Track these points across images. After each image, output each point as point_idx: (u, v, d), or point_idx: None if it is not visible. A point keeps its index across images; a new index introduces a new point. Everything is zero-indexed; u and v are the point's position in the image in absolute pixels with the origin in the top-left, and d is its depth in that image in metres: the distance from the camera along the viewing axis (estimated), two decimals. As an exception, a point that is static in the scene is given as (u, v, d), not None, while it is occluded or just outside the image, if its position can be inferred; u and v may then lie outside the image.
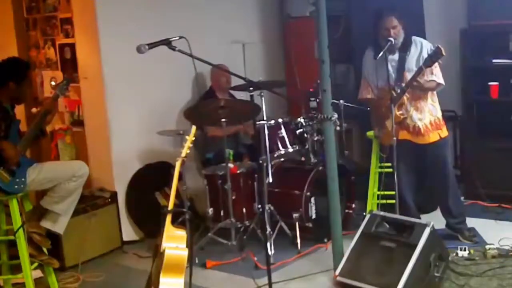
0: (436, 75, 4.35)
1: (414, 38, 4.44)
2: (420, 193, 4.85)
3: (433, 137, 4.44)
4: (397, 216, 4.17)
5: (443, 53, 4.09)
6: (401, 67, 4.38)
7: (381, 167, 4.89)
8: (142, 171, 5.22)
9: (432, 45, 4.32)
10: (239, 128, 5.28)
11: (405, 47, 4.40)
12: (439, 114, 4.50)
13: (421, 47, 4.39)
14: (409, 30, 4.42)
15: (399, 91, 4.31)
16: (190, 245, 3.26)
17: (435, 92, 4.48)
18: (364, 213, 4.54)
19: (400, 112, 4.39)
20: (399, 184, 4.35)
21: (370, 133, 4.94)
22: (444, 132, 4.50)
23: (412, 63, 4.37)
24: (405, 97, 4.37)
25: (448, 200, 4.54)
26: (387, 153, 4.49)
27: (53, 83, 5.20)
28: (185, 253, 3.09)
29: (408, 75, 4.33)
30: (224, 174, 4.68)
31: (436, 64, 4.30)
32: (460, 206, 4.64)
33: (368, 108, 4.79)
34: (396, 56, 4.41)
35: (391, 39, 4.28)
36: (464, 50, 5.52)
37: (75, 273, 4.52)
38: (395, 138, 4.27)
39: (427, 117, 4.44)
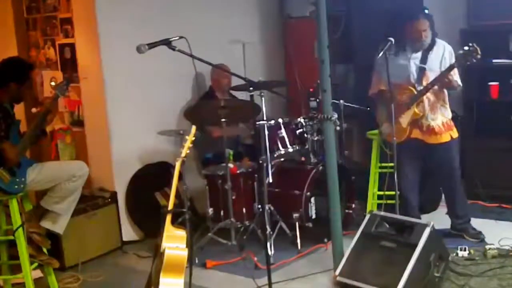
0: (456, 75, 4.41)
1: (437, 39, 4.48)
2: (421, 193, 4.85)
3: (445, 137, 4.47)
4: (397, 216, 4.17)
5: (479, 52, 4.13)
6: (423, 66, 4.41)
7: (381, 167, 4.90)
8: (142, 171, 5.22)
9: (451, 48, 4.43)
10: (240, 132, 5.30)
11: (428, 47, 4.44)
12: (450, 115, 4.54)
13: (444, 49, 4.45)
14: (434, 32, 4.46)
15: (421, 88, 4.33)
16: (190, 245, 3.26)
17: (446, 94, 4.51)
18: (364, 213, 4.55)
19: (419, 109, 4.40)
20: (404, 182, 4.36)
21: (370, 133, 4.94)
22: (455, 133, 4.53)
23: (434, 63, 4.41)
24: (425, 97, 4.39)
25: (455, 201, 4.57)
26: (392, 151, 4.47)
27: (53, 83, 5.20)
28: (185, 253, 3.09)
29: (430, 74, 4.37)
30: (224, 174, 4.68)
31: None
32: (465, 207, 4.67)
33: (368, 108, 4.79)
34: (419, 55, 4.44)
35: (391, 39, 4.28)
36: (464, 50, 5.52)
37: (75, 273, 4.52)
38: (394, 138, 4.27)
39: (439, 117, 4.46)
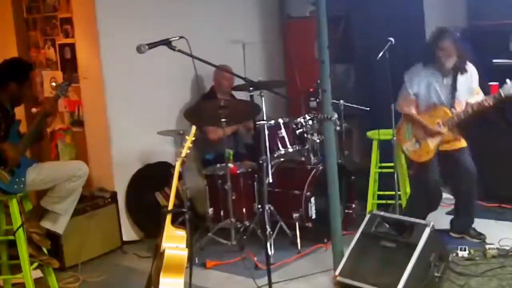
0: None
1: (468, 64, 4.46)
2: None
3: (463, 143, 4.50)
4: (397, 216, 4.17)
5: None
6: (453, 89, 4.41)
7: (381, 167, 4.90)
8: (142, 171, 5.21)
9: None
10: (238, 126, 5.27)
11: (458, 71, 4.42)
12: None
13: (471, 74, 4.45)
14: (464, 55, 4.43)
15: (461, 115, 4.35)
16: (190, 245, 3.26)
17: None
18: (364, 213, 4.54)
19: (450, 132, 4.43)
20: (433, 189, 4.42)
21: (370, 133, 4.94)
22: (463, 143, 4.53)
23: (463, 88, 4.41)
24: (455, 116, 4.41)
25: (473, 203, 4.57)
26: (416, 173, 4.53)
27: (54, 84, 5.20)
28: (185, 253, 3.09)
29: (461, 98, 4.39)
30: (224, 174, 4.68)
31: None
32: (476, 210, 4.67)
33: (368, 108, 4.79)
34: (449, 79, 4.42)
35: (391, 39, 4.29)
36: (464, 50, 5.51)
37: (75, 273, 4.52)
38: (394, 138, 4.26)
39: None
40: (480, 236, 4.53)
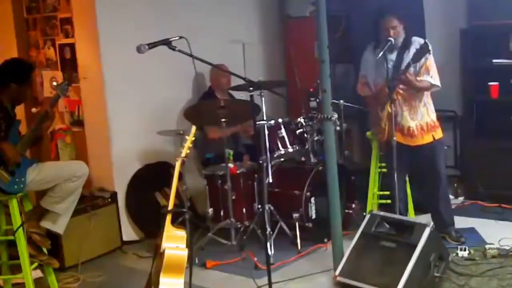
0: (432, 76, 4.34)
1: (414, 38, 4.42)
2: (420, 193, 4.85)
3: (426, 138, 4.43)
4: (397, 216, 4.17)
5: (429, 49, 4.10)
6: (398, 65, 4.35)
7: (381, 167, 4.90)
8: (142, 171, 5.22)
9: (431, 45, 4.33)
10: (237, 129, 5.27)
11: (404, 47, 4.38)
12: (434, 116, 4.48)
13: (416, 48, 4.33)
14: (409, 30, 4.41)
15: (390, 89, 4.27)
16: (190, 245, 3.26)
17: (429, 94, 4.46)
18: (364, 213, 4.54)
19: (392, 108, 4.36)
20: (391, 182, 4.36)
21: (370, 133, 4.94)
22: (439, 134, 4.47)
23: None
24: (399, 96, 4.37)
25: (438, 202, 4.53)
26: (383, 151, 4.50)
27: (54, 83, 5.20)
28: (185, 253, 3.10)
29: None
30: (224, 174, 4.68)
31: (433, 65, 4.32)
32: (449, 209, 4.62)
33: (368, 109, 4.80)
34: (394, 56, 4.40)
35: (391, 39, 4.28)
36: (464, 50, 5.52)
37: (75, 273, 4.52)
38: (395, 138, 4.26)
39: (421, 118, 4.42)
40: (459, 238, 4.47)
